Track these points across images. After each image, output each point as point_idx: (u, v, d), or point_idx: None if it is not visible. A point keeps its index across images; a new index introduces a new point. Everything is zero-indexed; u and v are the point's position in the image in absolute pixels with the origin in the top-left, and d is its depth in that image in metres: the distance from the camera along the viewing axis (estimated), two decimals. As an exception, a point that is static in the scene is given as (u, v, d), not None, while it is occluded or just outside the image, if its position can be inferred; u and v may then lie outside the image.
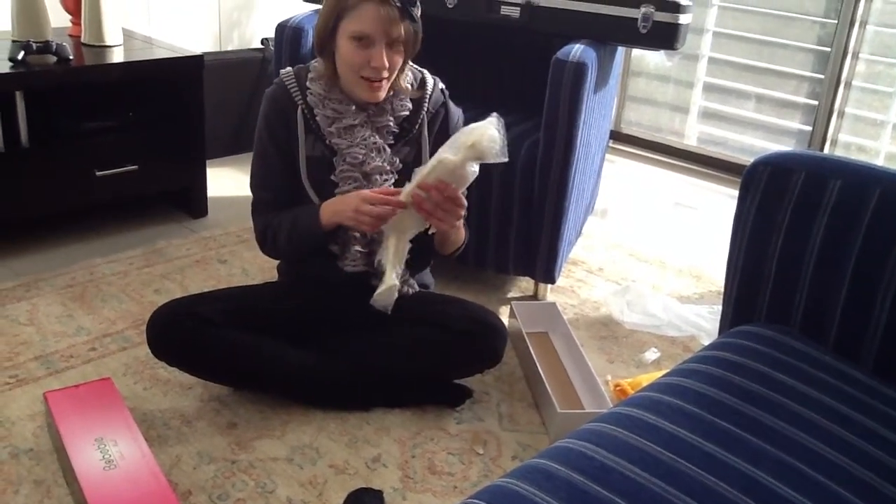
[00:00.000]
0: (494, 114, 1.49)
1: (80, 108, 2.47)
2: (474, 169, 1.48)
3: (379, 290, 1.56)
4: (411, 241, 1.61)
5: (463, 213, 1.54)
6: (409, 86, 1.69)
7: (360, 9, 1.52)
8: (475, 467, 1.59)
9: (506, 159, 1.47)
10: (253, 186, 1.73)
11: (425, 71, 1.73)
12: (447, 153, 1.47)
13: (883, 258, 1.21)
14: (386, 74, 1.58)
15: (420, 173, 1.51)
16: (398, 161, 1.67)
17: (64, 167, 2.30)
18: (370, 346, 1.73)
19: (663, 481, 0.90)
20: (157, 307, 1.66)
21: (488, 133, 1.45)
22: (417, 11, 1.56)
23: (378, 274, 1.70)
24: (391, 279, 1.55)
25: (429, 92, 1.71)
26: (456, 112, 1.76)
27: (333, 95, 1.63)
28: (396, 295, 1.57)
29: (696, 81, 3.53)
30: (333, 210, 1.59)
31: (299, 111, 1.64)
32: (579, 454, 0.94)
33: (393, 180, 1.65)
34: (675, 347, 2.09)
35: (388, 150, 1.65)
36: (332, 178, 1.64)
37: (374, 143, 1.63)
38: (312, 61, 1.67)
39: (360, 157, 1.62)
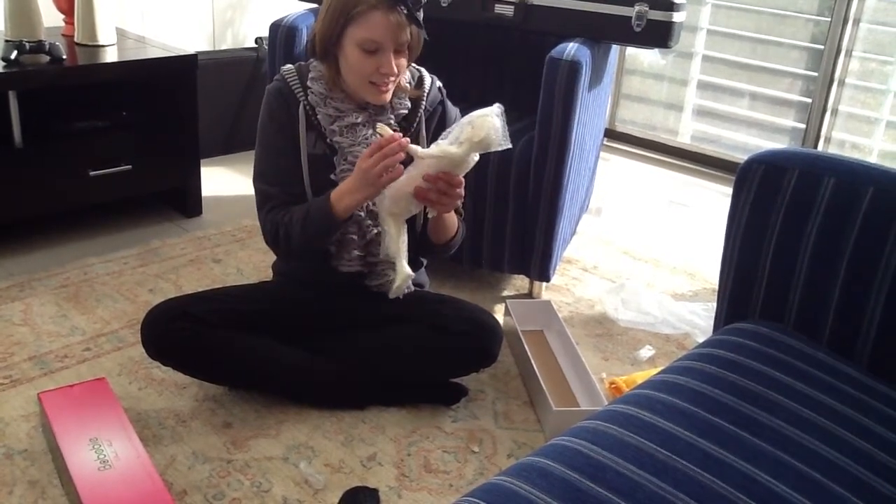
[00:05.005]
0: (497, 104, 1.49)
1: (74, 108, 2.46)
2: (476, 158, 1.50)
3: (396, 284, 1.56)
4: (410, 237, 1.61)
5: (461, 192, 1.54)
6: (407, 84, 1.69)
7: (368, 17, 1.51)
8: (471, 465, 1.59)
9: (509, 145, 1.48)
10: (258, 182, 1.68)
11: (423, 69, 1.74)
12: (452, 146, 1.48)
13: (876, 255, 1.21)
14: (393, 79, 1.59)
15: (420, 156, 1.49)
16: None
17: (57, 167, 2.29)
18: (365, 345, 1.73)
19: (659, 479, 0.90)
20: (152, 307, 1.65)
21: (493, 124, 1.46)
22: (421, 15, 1.56)
23: (374, 273, 1.70)
24: (404, 269, 1.54)
25: (426, 90, 1.71)
26: (453, 111, 1.77)
27: (335, 94, 1.63)
28: (409, 277, 1.57)
29: (690, 79, 3.53)
30: (345, 193, 1.53)
31: (301, 107, 1.64)
32: (575, 452, 0.94)
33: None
34: (669, 345, 2.10)
35: None
36: (332, 177, 1.64)
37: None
38: (312, 61, 1.66)
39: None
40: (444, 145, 1.49)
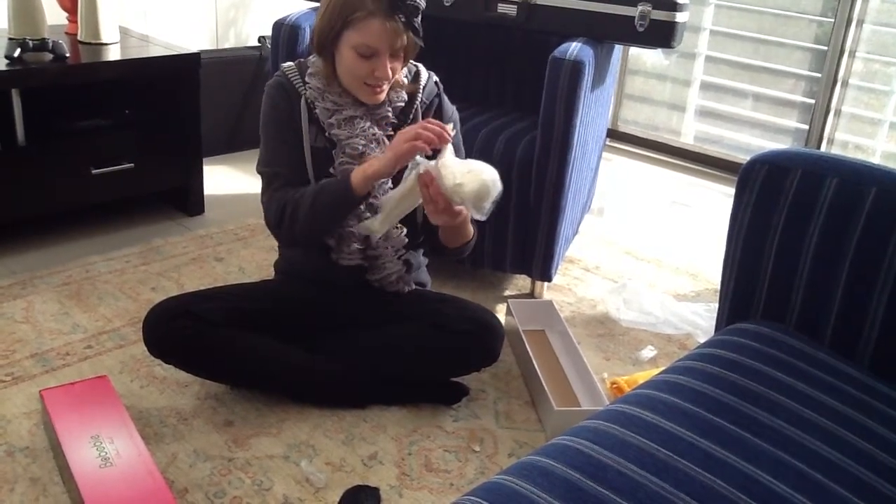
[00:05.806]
0: (498, 181, 1.46)
1: (77, 106, 2.47)
2: (459, 205, 1.48)
3: (364, 223, 1.59)
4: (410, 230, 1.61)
5: (455, 220, 1.53)
6: (404, 79, 1.70)
7: (366, 23, 1.52)
8: (472, 465, 1.59)
9: (481, 217, 1.47)
10: (262, 167, 1.67)
11: (419, 64, 1.75)
12: (450, 170, 1.45)
13: (879, 256, 1.21)
14: (387, 82, 1.60)
15: (440, 155, 1.49)
16: None
17: (60, 165, 2.29)
18: (366, 344, 1.73)
19: (660, 479, 0.90)
20: (154, 305, 1.65)
21: (481, 183, 1.43)
22: (419, 19, 1.56)
23: (374, 267, 1.70)
24: (373, 222, 1.57)
25: (423, 84, 1.72)
26: (450, 107, 1.78)
27: (332, 89, 1.64)
28: (373, 235, 1.63)
29: (693, 80, 3.53)
30: (369, 167, 1.53)
31: (303, 100, 1.65)
32: (576, 451, 0.94)
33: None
34: (671, 345, 2.09)
35: (387, 141, 1.66)
36: (332, 170, 1.64)
37: (374, 134, 1.64)
38: (310, 57, 1.68)
39: (360, 147, 1.63)
40: (450, 163, 1.47)
